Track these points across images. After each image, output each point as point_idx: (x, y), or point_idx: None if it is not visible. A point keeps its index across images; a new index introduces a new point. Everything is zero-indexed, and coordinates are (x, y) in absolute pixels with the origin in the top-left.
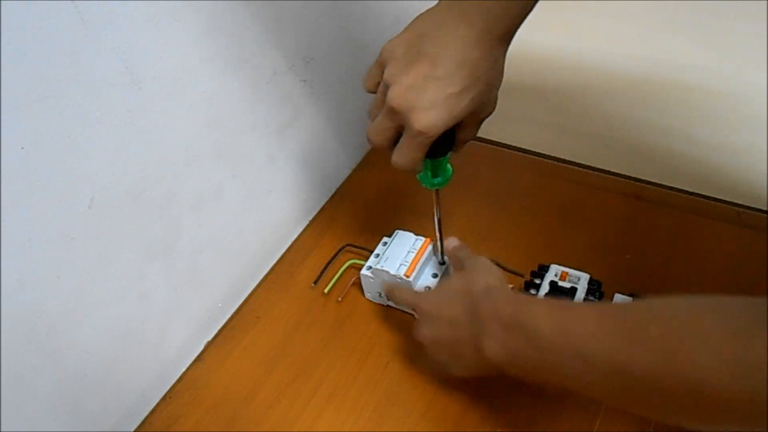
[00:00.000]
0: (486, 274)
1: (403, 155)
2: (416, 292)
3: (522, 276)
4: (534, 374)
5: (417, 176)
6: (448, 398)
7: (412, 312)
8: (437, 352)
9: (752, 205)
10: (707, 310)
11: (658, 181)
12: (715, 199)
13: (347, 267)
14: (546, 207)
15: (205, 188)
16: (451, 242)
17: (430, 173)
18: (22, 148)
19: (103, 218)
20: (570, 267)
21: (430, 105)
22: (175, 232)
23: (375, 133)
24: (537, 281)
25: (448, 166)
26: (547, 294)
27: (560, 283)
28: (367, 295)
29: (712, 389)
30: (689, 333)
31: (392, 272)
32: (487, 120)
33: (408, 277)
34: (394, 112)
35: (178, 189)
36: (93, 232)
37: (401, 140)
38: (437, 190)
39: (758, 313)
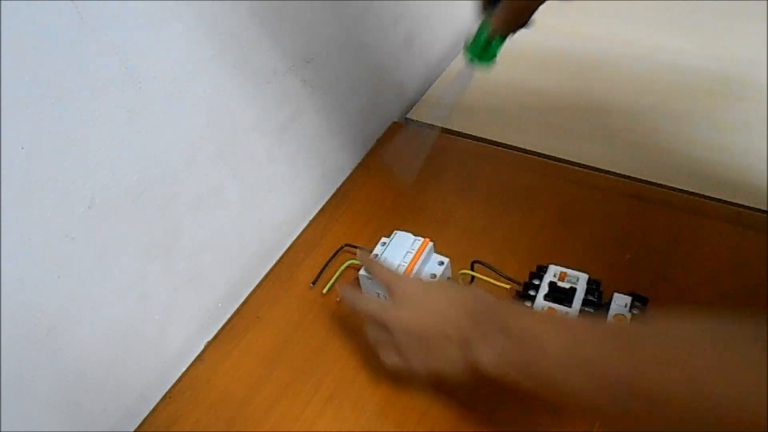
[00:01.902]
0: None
1: None
2: (397, 273)
3: (518, 283)
4: (530, 386)
5: (466, 47)
6: (448, 399)
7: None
8: (404, 341)
9: (752, 205)
10: (714, 336)
11: (658, 181)
12: (715, 199)
13: (346, 267)
14: (545, 207)
15: (205, 188)
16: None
17: (482, 44)
18: (22, 148)
19: (103, 218)
20: (569, 267)
21: None
22: (175, 232)
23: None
24: (536, 282)
25: (498, 51)
26: (546, 295)
27: (559, 284)
28: (366, 296)
29: (720, 414)
30: (697, 358)
31: None
32: (487, 120)
33: None
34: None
35: (178, 189)
36: (93, 232)
37: None
38: (473, 68)
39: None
